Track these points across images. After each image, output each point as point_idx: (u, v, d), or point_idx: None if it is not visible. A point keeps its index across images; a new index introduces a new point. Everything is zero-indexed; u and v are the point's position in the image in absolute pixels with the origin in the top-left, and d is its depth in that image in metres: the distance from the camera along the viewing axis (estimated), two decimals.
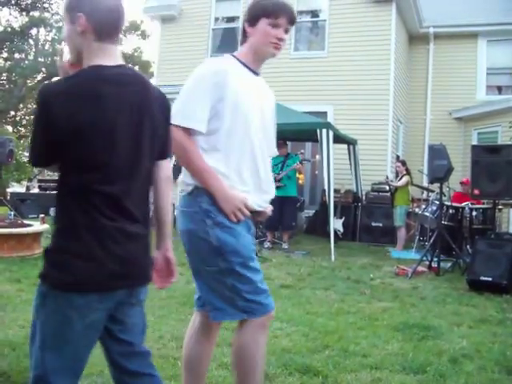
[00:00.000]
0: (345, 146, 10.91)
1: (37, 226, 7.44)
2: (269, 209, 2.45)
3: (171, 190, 2.05)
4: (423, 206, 9.13)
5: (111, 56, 1.79)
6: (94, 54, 1.77)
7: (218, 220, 2.20)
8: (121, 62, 1.82)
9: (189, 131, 2.20)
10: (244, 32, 2.37)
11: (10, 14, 28.98)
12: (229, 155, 2.22)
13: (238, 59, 2.35)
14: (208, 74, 2.23)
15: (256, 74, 2.40)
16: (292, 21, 2.32)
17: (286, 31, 2.32)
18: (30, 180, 21.70)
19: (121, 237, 1.75)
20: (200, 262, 2.28)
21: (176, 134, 2.13)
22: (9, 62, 27.52)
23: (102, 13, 1.77)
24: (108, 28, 1.79)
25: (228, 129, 2.21)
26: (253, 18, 2.31)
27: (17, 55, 28.24)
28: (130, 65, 2.00)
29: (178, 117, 2.15)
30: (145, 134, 1.81)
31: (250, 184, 2.28)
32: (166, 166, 2.00)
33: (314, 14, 13.30)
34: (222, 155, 2.22)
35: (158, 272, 2.05)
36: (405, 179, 9.33)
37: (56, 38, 27.67)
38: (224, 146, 2.22)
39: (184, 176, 2.30)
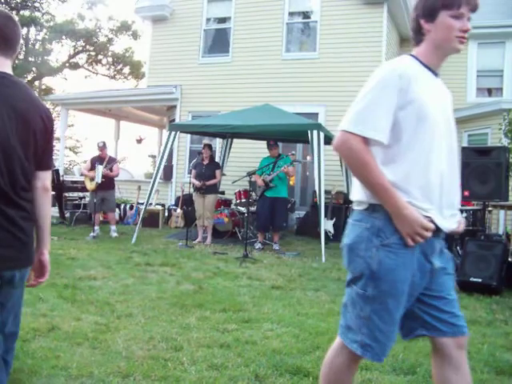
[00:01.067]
0: None
1: None
2: (461, 226, 2.20)
3: (49, 201, 2.19)
4: None
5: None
6: None
7: (388, 242, 1.98)
8: (7, 71, 2.09)
9: (367, 141, 1.97)
10: (419, 30, 2.12)
11: None
12: (411, 169, 1.98)
13: (418, 60, 2.10)
14: (392, 77, 1.98)
15: (436, 74, 2.14)
16: (475, 8, 2.06)
17: (468, 20, 2.05)
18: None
19: (2, 220, 1.98)
20: (349, 278, 2.11)
21: (354, 144, 1.96)
22: None
23: None
24: None
25: (410, 140, 1.98)
26: (430, 12, 2.06)
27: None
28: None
29: (357, 124, 1.97)
30: (17, 131, 2.02)
31: (435, 201, 2.01)
32: (44, 176, 2.16)
33: (306, 15, 13.33)
34: (403, 169, 1.98)
35: (33, 271, 2.24)
36: None
37: (46, 37, 27.53)
38: (405, 159, 1.98)
39: (358, 192, 2.10)
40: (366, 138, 1.96)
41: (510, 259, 6.35)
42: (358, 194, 2.10)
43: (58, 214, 12.03)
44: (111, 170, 9.99)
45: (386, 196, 1.95)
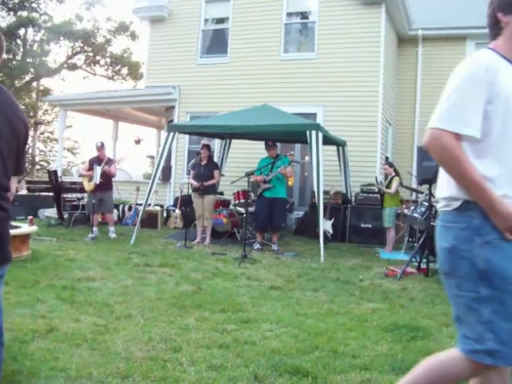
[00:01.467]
0: (334, 147, 10.94)
1: (25, 227, 7.39)
2: None
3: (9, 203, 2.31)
4: (412, 208, 9.17)
5: None
6: None
7: (489, 238, 1.92)
8: None
9: (458, 137, 1.93)
10: (496, 24, 2.13)
11: None
12: (503, 162, 1.96)
13: (499, 53, 2.08)
14: (480, 71, 1.94)
15: None
16: None
17: None
18: (18, 182, 21.56)
19: None
20: (455, 286, 2.01)
21: (446, 141, 1.92)
22: None
23: None
24: None
25: (500, 133, 1.95)
26: (508, 3, 2.06)
27: (4, 55, 27.90)
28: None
29: (448, 121, 1.93)
30: (4, 134, 2.16)
31: None
32: (12, 180, 2.29)
33: (304, 15, 13.33)
34: (494, 162, 1.96)
35: None
36: (395, 184, 9.28)
37: (44, 38, 27.49)
38: (495, 152, 1.96)
39: (449, 189, 2.04)
40: (457, 134, 1.92)
41: None
42: (450, 190, 2.04)
43: (56, 215, 12.02)
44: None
45: (481, 191, 1.91)
